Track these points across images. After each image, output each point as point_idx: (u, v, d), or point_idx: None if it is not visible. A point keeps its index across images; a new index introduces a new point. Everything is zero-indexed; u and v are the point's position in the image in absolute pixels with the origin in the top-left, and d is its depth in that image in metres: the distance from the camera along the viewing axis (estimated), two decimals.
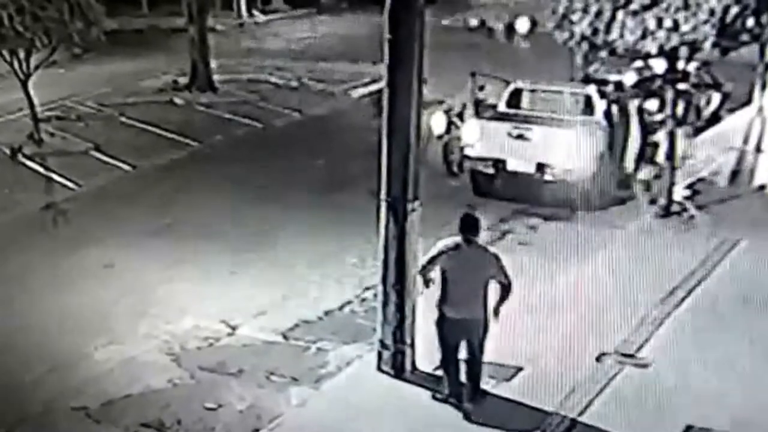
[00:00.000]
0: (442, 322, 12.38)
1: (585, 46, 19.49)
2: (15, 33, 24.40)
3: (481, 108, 21.89)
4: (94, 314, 15.74)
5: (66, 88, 31.44)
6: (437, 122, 22.46)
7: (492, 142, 20.65)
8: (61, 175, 22.91)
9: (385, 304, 13.29)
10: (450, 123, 22.35)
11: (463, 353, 12.56)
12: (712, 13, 18.03)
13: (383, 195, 12.97)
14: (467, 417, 12.35)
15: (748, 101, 22.33)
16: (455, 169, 22.12)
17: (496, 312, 12.33)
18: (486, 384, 12.88)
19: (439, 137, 22.58)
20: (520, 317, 14.86)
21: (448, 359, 12.62)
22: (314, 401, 13.11)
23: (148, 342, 14.85)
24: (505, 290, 12.33)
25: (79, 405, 13.13)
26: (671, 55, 19.02)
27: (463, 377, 12.66)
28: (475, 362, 12.60)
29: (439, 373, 13.06)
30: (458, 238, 12.31)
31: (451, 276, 12.23)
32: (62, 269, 17.47)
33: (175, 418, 12.82)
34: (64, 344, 14.75)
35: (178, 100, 31.57)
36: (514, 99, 21.59)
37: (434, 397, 12.81)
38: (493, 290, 12.29)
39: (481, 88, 22.35)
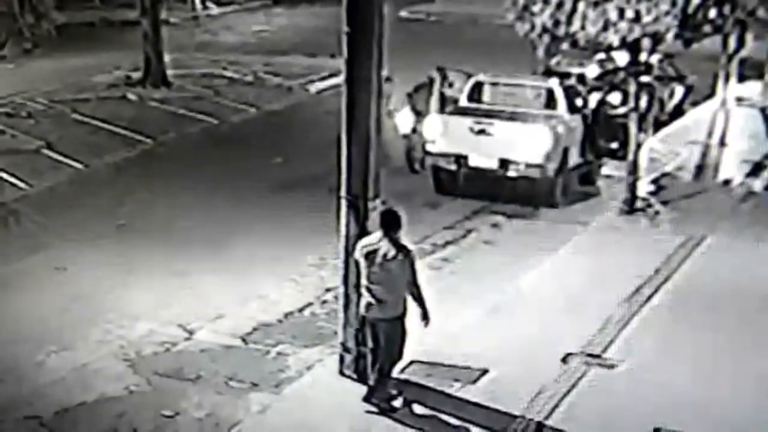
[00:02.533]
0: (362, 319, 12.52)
1: (546, 38, 19.31)
2: None
3: (445, 102, 21.60)
4: (46, 319, 15.32)
5: (16, 84, 30.76)
6: (404, 120, 21.99)
7: (454, 138, 20.38)
8: (11, 174, 22.42)
9: (346, 306, 13.00)
10: (417, 120, 21.86)
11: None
12: (674, 3, 18.02)
13: (343, 193, 12.67)
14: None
15: (711, 94, 22.28)
16: (417, 166, 21.77)
17: (425, 318, 12.18)
18: (450, 387, 12.70)
19: (405, 137, 22.13)
20: (485, 318, 14.68)
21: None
22: (275, 407, 12.76)
23: (102, 348, 14.43)
24: (416, 299, 12.17)
25: (31, 414, 12.71)
26: (633, 47, 19.01)
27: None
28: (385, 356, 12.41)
29: (403, 376, 12.88)
30: (380, 234, 12.12)
31: (369, 274, 12.11)
32: (13, 272, 17.00)
33: (130, 426, 12.44)
34: (16, 351, 14.30)
35: (131, 96, 31.06)
36: (476, 93, 21.32)
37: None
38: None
39: (451, 85, 22.03)
